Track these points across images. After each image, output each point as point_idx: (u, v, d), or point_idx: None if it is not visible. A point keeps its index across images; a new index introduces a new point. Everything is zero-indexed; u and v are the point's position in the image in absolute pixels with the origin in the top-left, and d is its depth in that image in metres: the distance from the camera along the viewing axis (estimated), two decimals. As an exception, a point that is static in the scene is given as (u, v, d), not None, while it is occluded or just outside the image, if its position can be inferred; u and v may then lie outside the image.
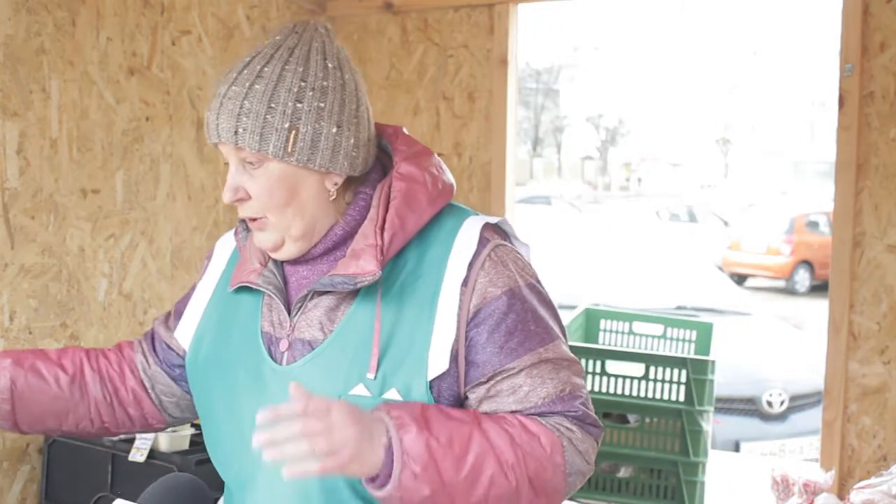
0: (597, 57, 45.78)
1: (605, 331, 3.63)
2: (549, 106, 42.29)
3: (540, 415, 1.49)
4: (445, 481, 1.38)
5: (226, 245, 1.76)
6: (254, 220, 1.53)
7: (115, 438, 2.68)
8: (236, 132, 1.45)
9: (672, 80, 44.93)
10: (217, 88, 1.49)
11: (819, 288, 16.32)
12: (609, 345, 3.59)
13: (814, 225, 16.89)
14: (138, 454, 2.62)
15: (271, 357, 1.55)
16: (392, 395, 1.46)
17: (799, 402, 5.12)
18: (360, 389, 1.46)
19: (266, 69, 1.47)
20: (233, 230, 1.72)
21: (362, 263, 1.47)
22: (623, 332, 3.62)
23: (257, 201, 1.50)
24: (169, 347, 1.74)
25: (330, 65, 1.51)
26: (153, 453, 2.63)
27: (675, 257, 6.97)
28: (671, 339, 3.57)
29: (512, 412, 1.48)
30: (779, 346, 5.74)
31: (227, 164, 1.53)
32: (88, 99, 2.93)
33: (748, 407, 5.04)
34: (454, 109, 3.64)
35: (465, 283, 1.49)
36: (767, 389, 5.07)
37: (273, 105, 1.45)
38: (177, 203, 3.26)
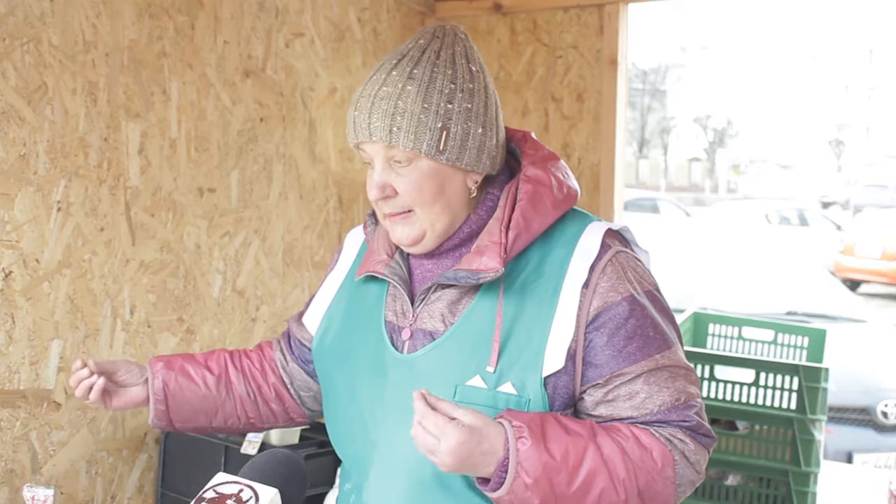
0: (705, 57, 45.03)
1: (713, 335, 3.57)
2: (655, 107, 41.77)
3: (655, 422, 1.51)
4: (557, 494, 1.42)
5: (355, 238, 1.83)
6: (397, 214, 1.58)
7: (228, 431, 2.76)
8: (391, 131, 1.50)
9: (783, 79, 43.85)
10: (362, 90, 1.54)
11: (937, 295, 15.73)
12: (718, 350, 3.53)
13: (933, 230, 16.25)
14: (250, 447, 2.68)
15: (393, 345, 1.60)
16: (507, 388, 1.49)
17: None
18: (476, 381, 1.51)
19: (416, 71, 1.52)
20: (362, 224, 1.78)
21: (486, 260, 1.52)
22: (732, 337, 3.55)
23: (407, 197, 1.55)
24: (302, 343, 1.83)
25: (473, 68, 1.57)
26: (264, 446, 2.69)
27: (786, 262, 6.80)
28: (782, 345, 3.49)
29: (628, 418, 1.51)
30: (895, 355, 5.55)
31: (366, 163, 1.58)
32: (206, 100, 3.01)
33: (862, 417, 4.89)
34: (563, 110, 3.63)
35: (585, 285, 1.52)
36: (883, 399, 4.92)
37: (426, 105, 1.50)
38: (289, 202, 3.33)
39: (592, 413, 1.53)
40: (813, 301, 5.93)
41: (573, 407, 1.54)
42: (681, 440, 1.51)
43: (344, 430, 1.67)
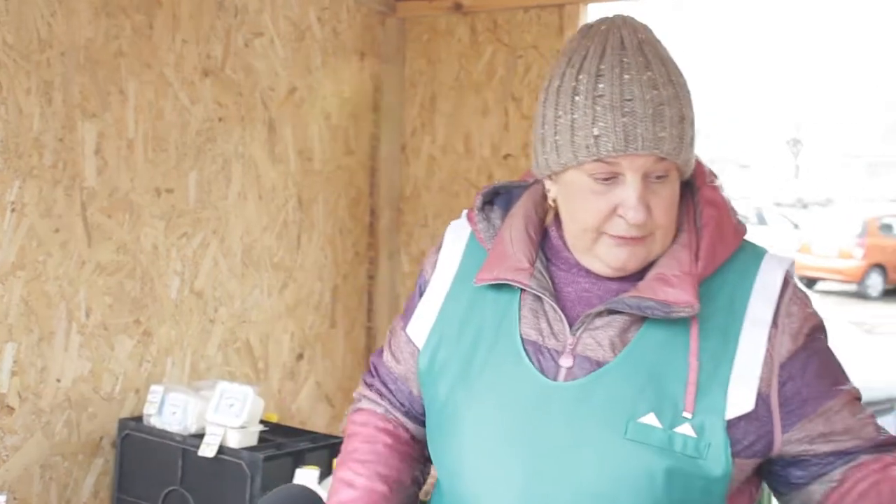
0: (665, 56, 45.35)
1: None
2: (616, 106, 42.00)
3: (884, 445, 1.42)
4: None
5: (459, 233, 1.59)
6: (638, 239, 1.37)
7: (186, 434, 2.73)
8: (681, 141, 1.33)
9: (741, 79, 44.30)
10: (617, 93, 1.31)
11: (892, 293, 16.00)
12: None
13: (888, 228, 16.55)
14: (208, 449, 2.66)
15: (541, 370, 1.40)
16: (685, 430, 1.32)
17: (871, 409, 5.01)
18: (650, 419, 1.33)
19: (667, 70, 1.34)
20: (463, 216, 1.60)
21: (677, 292, 1.34)
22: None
23: (661, 217, 1.35)
24: (412, 393, 1.60)
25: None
26: (222, 449, 2.67)
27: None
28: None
29: (854, 447, 1.40)
30: (850, 351, 5.63)
31: (600, 178, 1.33)
32: (164, 100, 2.98)
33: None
34: (523, 110, 3.64)
35: (774, 323, 1.38)
36: (838, 396, 4.98)
37: (685, 112, 1.34)
38: (248, 203, 3.31)
39: (810, 451, 1.40)
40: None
41: (761, 455, 1.38)
42: None
43: (464, 457, 1.43)
